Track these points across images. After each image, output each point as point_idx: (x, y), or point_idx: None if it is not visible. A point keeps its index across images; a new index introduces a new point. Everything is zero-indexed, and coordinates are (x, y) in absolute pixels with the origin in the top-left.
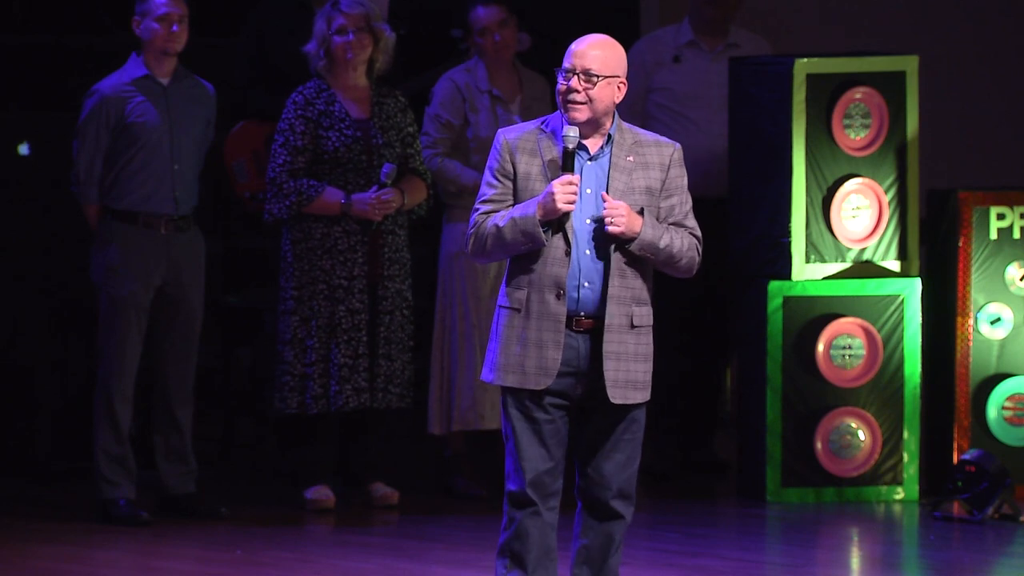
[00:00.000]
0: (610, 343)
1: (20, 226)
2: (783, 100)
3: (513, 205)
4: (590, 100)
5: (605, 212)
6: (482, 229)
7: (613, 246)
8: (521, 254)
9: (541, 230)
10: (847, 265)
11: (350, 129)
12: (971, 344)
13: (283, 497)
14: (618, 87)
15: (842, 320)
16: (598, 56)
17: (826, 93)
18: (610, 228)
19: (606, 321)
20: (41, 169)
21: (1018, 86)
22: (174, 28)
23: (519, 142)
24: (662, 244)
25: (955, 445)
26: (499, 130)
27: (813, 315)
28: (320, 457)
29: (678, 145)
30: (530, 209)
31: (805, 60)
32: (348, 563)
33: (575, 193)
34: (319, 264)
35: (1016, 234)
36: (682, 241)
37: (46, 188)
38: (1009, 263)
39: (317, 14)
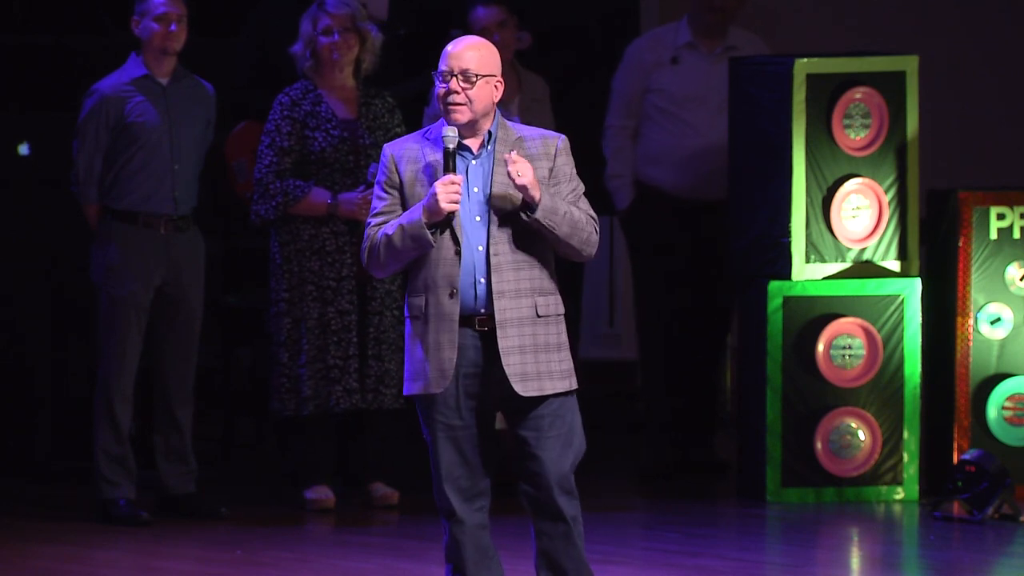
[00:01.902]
0: (509, 337)
1: (20, 226)
2: (783, 100)
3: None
4: (470, 101)
5: (511, 168)
6: (374, 241)
7: (497, 239)
8: (415, 261)
9: (428, 232)
10: (847, 265)
11: (336, 130)
12: (971, 344)
13: (283, 497)
14: (495, 86)
15: (842, 320)
16: (474, 56)
17: (826, 93)
18: (518, 180)
19: (497, 317)
20: (41, 169)
21: (1018, 86)
22: (172, 27)
23: (402, 151)
24: (562, 210)
25: (955, 445)
26: (384, 145)
27: (813, 315)
28: (320, 457)
29: (564, 136)
30: (416, 214)
31: (805, 60)
32: (348, 563)
33: (458, 192)
34: (308, 265)
35: (1016, 234)
36: (580, 213)
37: (46, 188)
38: (1009, 263)
39: (303, 16)
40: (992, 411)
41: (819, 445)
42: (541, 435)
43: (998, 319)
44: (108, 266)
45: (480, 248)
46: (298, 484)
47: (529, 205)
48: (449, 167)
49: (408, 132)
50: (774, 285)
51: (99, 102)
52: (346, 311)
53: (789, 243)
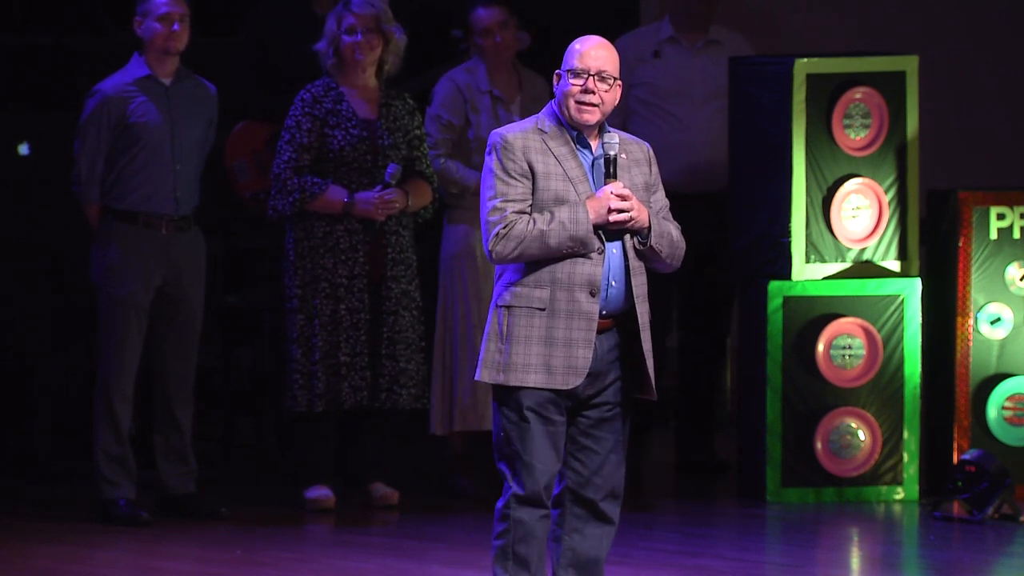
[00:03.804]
0: (646, 341)
1: (20, 226)
2: (783, 100)
3: (530, 204)
4: (602, 102)
5: (625, 207)
6: (517, 230)
7: (632, 244)
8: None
9: (594, 236)
10: (847, 265)
11: (356, 129)
12: (971, 344)
13: (283, 497)
14: (618, 88)
15: (842, 320)
16: (608, 58)
17: (826, 93)
18: (632, 224)
19: (640, 320)
20: (41, 169)
21: (1018, 86)
22: (175, 27)
23: (526, 141)
24: (666, 230)
25: (955, 445)
26: (495, 131)
27: (813, 315)
28: (320, 457)
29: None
30: (580, 214)
31: (805, 60)
32: (348, 563)
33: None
34: (321, 262)
35: (1016, 234)
36: (675, 230)
37: (46, 188)
38: (1009, 263)
39: (329, 13)
40: (992, 411)
41: (819, 445)
42: (616, 441)
43: (998, 319)
44: (108, 266)
45: (614, 251)
46: (298, 484)
47: (640, 231)
48: (610, 172)
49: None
50: (774, 285)
51: (101, 102)
52: (357, 309)
53: (789, 243)
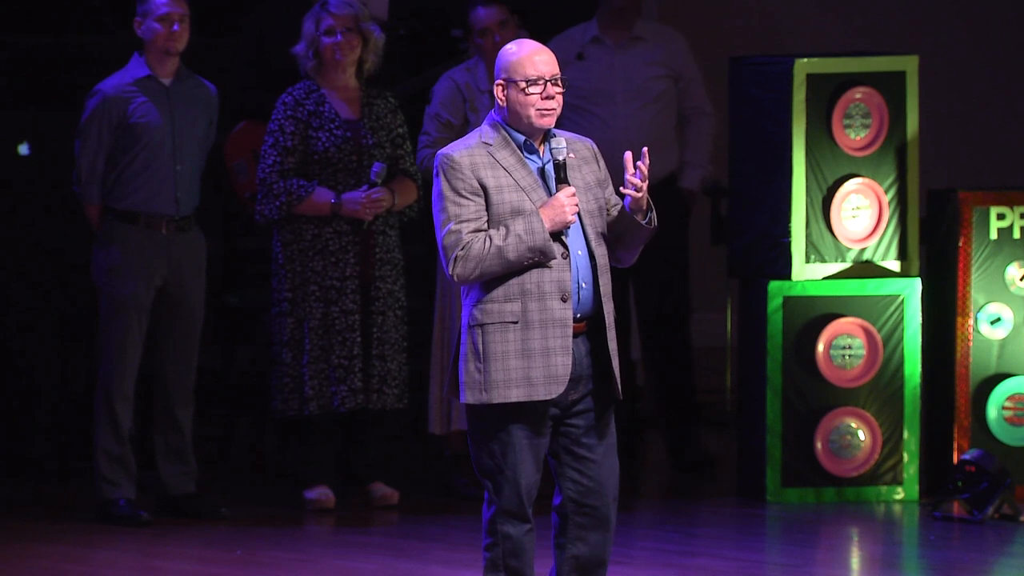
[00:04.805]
0: (612, 340)
1: (20, 226)
2: (783, 100)
3: (485, 221)
4: (559, 104)
5: (636, 177)
6: (475, 250)
7: (594, 243)
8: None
9: (552, 244)
10: (847, 265)
11: (340, 129)
12: (971, 344)
13: (283, 497)
14: None
15: (842, 320)
16: (553, 60)
17: (826, 93)
18: (641, 193)
19: (607, 320)
20: (41, 169)
21: (1018, 86)
22: (175, 28)
23: (473, 158)
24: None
25: (955, 445)
26: (440, 152)
27: (813, 315)
28: (320, 457)
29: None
30: (535, 224)
31: (805, 60)
32: (348, 563)
33: (577, 204)
34: (311, 265)
35: (1016, 234)
36: None
37: (46, 188)
38: (1009, 263)
39: (305, 16)
40: (992, 411)
41: (819, 445)
42: (608, 444)
43: (998, 319)
44: (109, 266)
45: (580, 252)
46: (298, 484)
47: (646, 211)
48: (561, 177)
49: (408, 132)
50: (774, 285)
51: (102, 102)
52: (350, 311)
53: (789, 243)
